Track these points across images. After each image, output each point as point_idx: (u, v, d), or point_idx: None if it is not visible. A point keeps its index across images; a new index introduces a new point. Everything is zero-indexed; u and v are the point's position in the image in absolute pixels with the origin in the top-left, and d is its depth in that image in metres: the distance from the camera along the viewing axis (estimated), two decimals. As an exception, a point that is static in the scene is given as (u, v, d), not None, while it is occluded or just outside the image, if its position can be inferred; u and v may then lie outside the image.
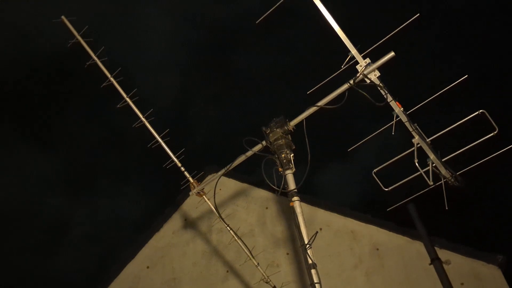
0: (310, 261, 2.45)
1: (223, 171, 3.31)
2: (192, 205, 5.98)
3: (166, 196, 6.34)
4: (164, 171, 3.64)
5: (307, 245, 2.48)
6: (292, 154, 2.87)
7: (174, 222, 6.15)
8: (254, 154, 3.10)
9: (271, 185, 2.77)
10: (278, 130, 2.92)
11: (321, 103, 2.91)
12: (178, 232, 6.07)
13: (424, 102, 3.07)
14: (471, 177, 3.16)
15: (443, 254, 4.25)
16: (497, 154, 3.03)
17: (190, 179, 3.59)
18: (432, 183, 3.12)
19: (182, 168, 3.60)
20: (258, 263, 3.58)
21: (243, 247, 3.57)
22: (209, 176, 3.49)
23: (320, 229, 5.04)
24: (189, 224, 6.02)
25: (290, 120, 3.00)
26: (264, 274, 3.63)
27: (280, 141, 2.90)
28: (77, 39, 3.50)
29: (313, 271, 2.43)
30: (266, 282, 3.66)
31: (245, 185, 5.73)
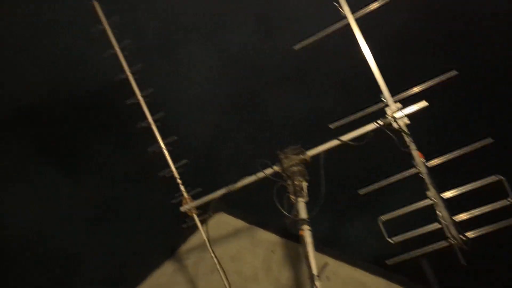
0: None
1: (224, 190, 3.03)
2: (196, 243, 5.58)
3: (174, 233, 6.01)
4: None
5: (316, 276, 2.33)
6: (306, 184, 2.72)
7: (176, 259, 5.70)
8: (267, 181, 2.89)
9: (281, 210, 2.63)
10: (293, 156, 2.78)
11: (345, 138, 2.75)
12: (179, 271, 5.63)
13: (446, 158, 2.89)
14: (481, 240, 2.87)
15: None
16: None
17: (185, 193, 3.27)
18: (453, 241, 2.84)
19: (179, 180, 3.29)
20: None
21: (224, 279, 3.31)
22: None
23: (327, 277, 4.64)
24: (192, 262, 5.59)
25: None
26: None
27: (294, 167, 2.74)
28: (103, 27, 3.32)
29: None
30: None
31: (252, 226, 5.39)
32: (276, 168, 2.80)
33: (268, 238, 5.24)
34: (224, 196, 3.23)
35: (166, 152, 3.32)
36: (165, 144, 3.33)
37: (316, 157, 2.82)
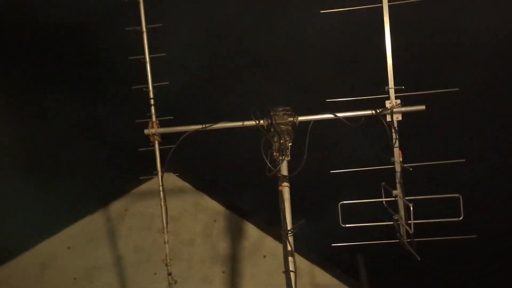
0: (289, 248, 2.24)
1: (199, 126, 2.74)
2: (143, 195, 5.28)
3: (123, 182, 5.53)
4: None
5: (289, 232, 2.28)
6: (291, 144, 2.60)
7: (115, 209, 5.31)
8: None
9: (267, 163, 2.48)
10: (284, 116, 2.65)
11: (341, 115, 2.71)
12: (115, 220, 5.27)
13: (420, 164, 2.89)
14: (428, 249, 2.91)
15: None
16: (451, 238, 2.88)
17: (154, 116, 2.89)
18: (403, 238, 2.85)
19: (152, 101, 2.91)
20: (167, 241, 2.99)
21: (164, 215, 2.96)
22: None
23: (264, 256, 4.55)
24: (132, 213, 5.27)
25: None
26: (167, 255, 3.01)
27: (283, 126, 2.62)
28: None
29: (290, 258, 2.23)
30: (166, 265, 3.02)
31: (198, 192, 5.20)
32: (263, 122, 2.67)
33: (212, 206, 5.08)
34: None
35: (148, 68, 2.95)
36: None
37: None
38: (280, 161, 2.47)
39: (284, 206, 2.31)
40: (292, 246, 2.20)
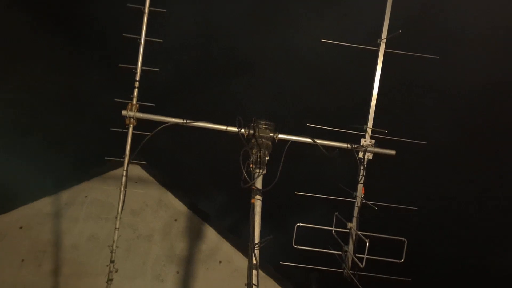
0: (254, 261, 2.24)
1: (179, 120, 2.76)
2: (106, 183, 5.17)
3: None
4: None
5: (257, 245, 2.29)
6: (268, 158, 2.66)
7: (75, 193, 5.13)
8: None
9: (245, 175, 2.50)
10: (267, 130, 2.75)
11: (320, 142, 2.86)
12: (72, 206, 5.08)
13: (379, 203, 3.04)
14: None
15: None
16: (388, 277, 3.02)
17: (135, 99, 2.84)
18: (347, 270, 3.01)
19: (137, 83, 2.85)
20: (118, 227, 2.94)
21: (121, 201, 2.89)
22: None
23: (220, 262, 4.57)
24: (92, 201, 5.11)
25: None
26: (114, 242, 2.95)
27: (264, 140, 2.71)
28: None
29: (254, 272, 2.22)
30: (111, 252, 2.97)
31: (163, 188, 5.15)
32: (245, 131, 2.73)
33: (175, 205, 5.06)
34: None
35: (141, 52, 2.89)
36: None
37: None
38: (256, 174, 2.51)
39: (254, 219, 2.33)
40: (258, 260, 2.20)
